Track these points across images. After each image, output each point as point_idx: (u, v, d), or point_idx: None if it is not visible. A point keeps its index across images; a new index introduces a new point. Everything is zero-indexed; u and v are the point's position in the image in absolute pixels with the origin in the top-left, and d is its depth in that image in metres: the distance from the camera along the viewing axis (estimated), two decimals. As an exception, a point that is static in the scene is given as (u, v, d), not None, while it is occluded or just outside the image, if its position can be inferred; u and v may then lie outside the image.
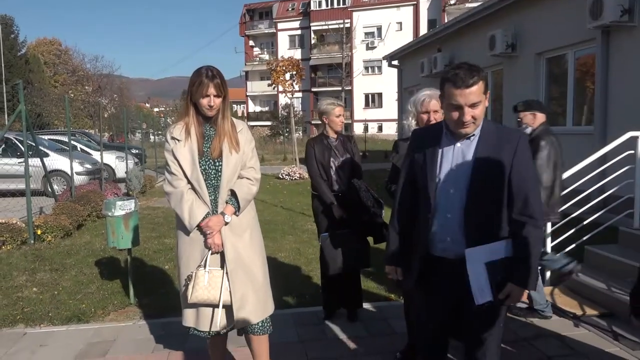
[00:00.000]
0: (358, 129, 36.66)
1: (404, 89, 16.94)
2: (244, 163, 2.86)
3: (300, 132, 38.98)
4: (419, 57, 15.10)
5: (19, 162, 9.82)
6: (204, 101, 2.72)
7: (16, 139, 12.49)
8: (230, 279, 2.75)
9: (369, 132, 38.64)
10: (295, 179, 14.80)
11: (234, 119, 2.91)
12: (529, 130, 4.01)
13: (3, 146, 10.55)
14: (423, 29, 39.74)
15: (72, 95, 40.29)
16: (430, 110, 3.17)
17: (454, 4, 38.67)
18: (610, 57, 7.69)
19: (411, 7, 43.22)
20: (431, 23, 40.36)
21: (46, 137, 14.96)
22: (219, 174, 2.78)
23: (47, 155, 10.58)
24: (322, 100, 4.33)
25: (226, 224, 2.78)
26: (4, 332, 4.13)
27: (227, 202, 2.80)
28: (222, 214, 2.78)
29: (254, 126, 47.29)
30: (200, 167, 2.76)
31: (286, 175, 15.07)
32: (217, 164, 2.78)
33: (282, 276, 5.29)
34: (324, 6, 46.26)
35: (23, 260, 6.26)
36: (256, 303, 2.83)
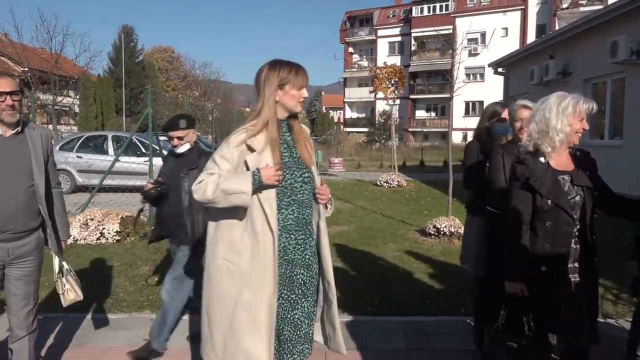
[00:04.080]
0: (457, 137, 35.76)
1: (510, 98, 16.32)
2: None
3: (397, 140, 38.76)
4: (528, 64, 14.50)
5: (144, 161, 10.68)
6: (301, 92, 2.36)
7: (136, 139, 13.56)
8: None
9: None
10: (393, 186, 14.71)
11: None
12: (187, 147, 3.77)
13: (125, 145, 11.51)
14: (531, 35, 38.03)
15: (182, 99, 43.01)
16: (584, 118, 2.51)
17: (567, 8, 36.61)
18: None
19: (519, 12, 41.51)
20: (540, 28, 38.51)
21: (161, 138, 16.07)
22: (305, 186, 2.40)
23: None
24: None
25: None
26: (133, 316, 4.53)
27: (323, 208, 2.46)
28: None
29: (350, 132, 47.74)
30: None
31: (384, 182, 15.01)
32: (305, 175, 2.40)
33: (385, 283, 5.31)
34: (425, 12, 45.71)
35: (145, 251, 6.79)
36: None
